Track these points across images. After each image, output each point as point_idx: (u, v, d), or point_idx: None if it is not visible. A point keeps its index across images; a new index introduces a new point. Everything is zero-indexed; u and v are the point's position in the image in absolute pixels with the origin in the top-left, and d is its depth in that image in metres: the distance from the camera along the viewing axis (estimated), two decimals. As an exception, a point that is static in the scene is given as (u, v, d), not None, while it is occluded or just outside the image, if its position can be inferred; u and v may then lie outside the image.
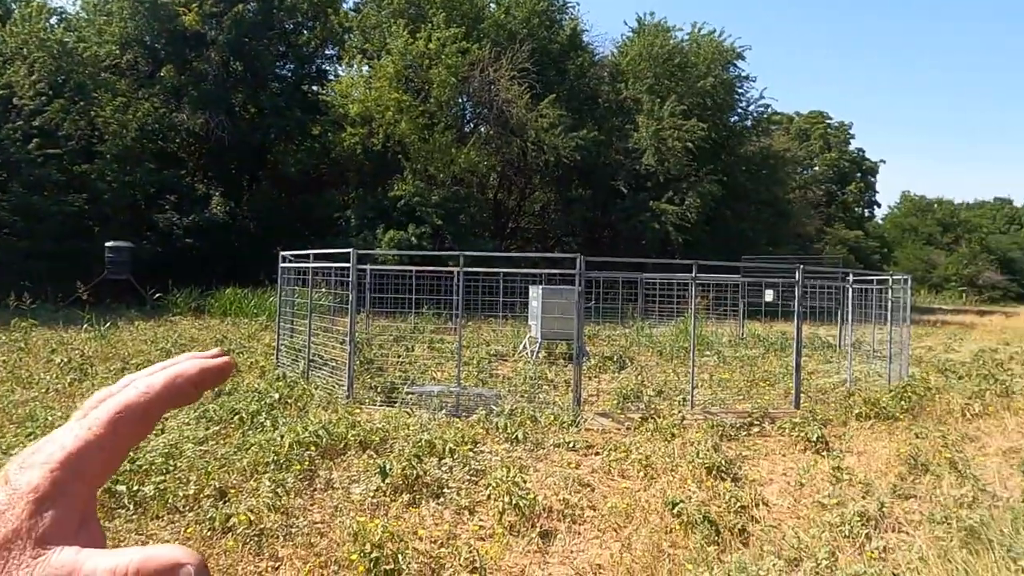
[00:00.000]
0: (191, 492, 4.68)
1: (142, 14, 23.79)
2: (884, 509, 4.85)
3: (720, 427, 7.31)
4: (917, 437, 6.88)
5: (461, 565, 3.95)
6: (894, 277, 11.88)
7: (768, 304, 18.41)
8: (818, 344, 16.26)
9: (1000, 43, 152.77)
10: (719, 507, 4.80)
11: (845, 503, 4.96)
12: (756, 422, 7.74)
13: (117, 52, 24.61)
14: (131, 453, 5.17)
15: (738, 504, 4.83)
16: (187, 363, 0.55)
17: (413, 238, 22.54)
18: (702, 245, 27.65)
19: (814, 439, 6.82)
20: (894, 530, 4.66)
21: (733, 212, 30.46)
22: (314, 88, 28.56)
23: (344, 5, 29.79)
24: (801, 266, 9.13)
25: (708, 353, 13.77)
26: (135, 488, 4.56)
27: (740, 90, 32.05)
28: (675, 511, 4.57)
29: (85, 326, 12.66)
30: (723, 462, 5.85)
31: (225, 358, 0.57)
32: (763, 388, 10.20)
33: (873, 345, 13.24)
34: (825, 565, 3.94)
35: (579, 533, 4.61)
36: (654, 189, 27.95)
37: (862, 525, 4.52)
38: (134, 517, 4.36)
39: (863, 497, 5.20)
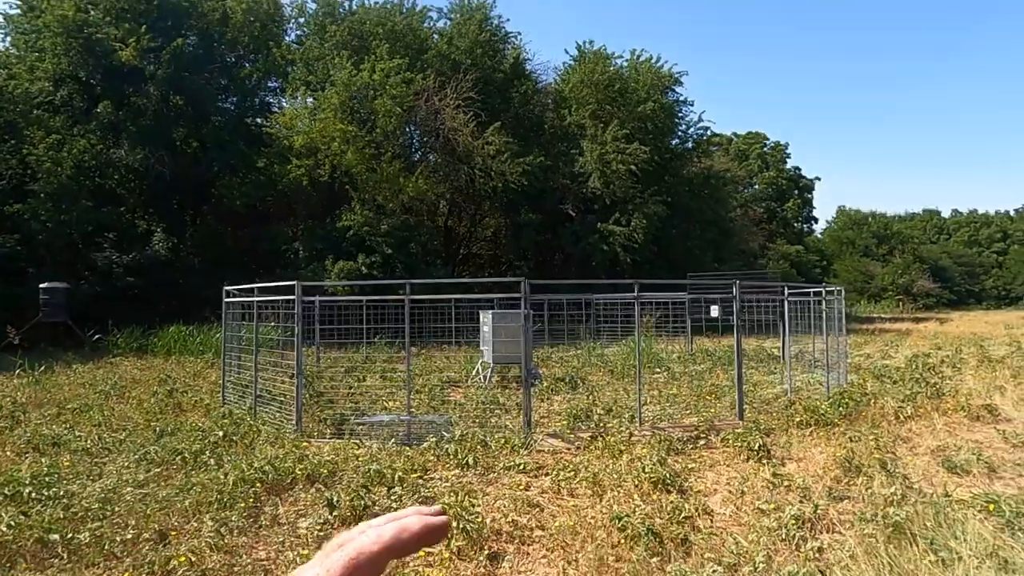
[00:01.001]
0: (129, 537, 4.55)
1: (76, 50, 23.23)
2: (819, 511, 5.05)
3: (667, 441, 7.46)
4: (852, 441, 7.19)
5: (408, 592, 3.94)
6: (828, 289, 12.39)
7: (715, 319, 18.91)
8: (763, 356, 16.77)
9: (922, 61, 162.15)
10: (663, 519, 4.91)
11: (783, 508, 5.14)
12: (702, 435, 7.94)
13: (50, 88, 23.95)
14: (66, 500, 4.98)
15: (681, 515, 4.95)
16: (413, 518, 0.65)
17: (363, 268, 22.42)
18: (651, 265, 28.34)
19: (756, 448, 7.04)
20: (829, 531, 4.86)
21: (679, 232, 31.29)
22: (258, 121, 28.31)
23: (286, 38, 29.76)
24: (738, 282, 9.46)
25: (659, 370, 14.06)
26: (69, 536, 4.41)
27: (679, 114, 33.18)
28: (620, 525, 4.66)
29: (18, 371, 12.16)
30: (668, 475, 5.98)
31: (444, 517, 0.67)
32: (709, 401, 10.47)
33: (814, 355, 13.72)
34: (762, 568, 4.08)
35: (527, 553, 4.65)
36: (601, 212, 28.56)
37: (798, 527, 4.70)
38: (68, 566, 4.22)
39: (800, 501, 5.40)
